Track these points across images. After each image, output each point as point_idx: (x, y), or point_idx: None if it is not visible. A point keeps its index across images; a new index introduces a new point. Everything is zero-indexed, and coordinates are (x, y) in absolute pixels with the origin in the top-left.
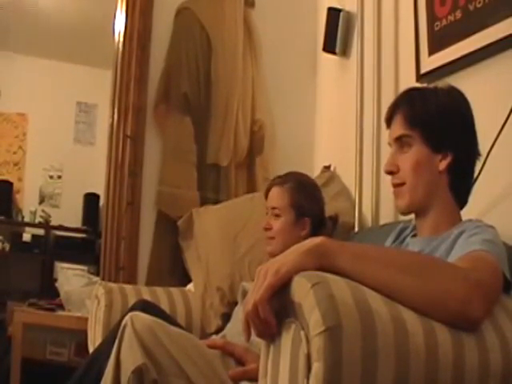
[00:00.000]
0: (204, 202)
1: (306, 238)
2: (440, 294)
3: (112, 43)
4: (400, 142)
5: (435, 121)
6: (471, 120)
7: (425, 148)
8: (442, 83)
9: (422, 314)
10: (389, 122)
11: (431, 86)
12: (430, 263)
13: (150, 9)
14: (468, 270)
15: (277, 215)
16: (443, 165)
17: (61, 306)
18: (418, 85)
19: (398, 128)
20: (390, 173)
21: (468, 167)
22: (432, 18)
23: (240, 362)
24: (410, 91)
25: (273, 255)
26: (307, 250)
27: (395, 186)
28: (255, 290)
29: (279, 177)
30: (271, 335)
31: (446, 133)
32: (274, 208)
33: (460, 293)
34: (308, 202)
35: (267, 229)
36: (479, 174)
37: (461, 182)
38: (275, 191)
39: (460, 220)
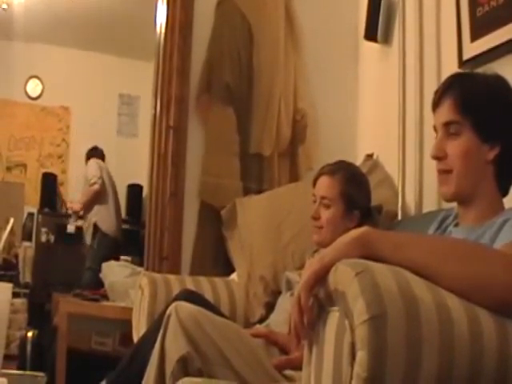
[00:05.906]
0: (247, 191)
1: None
2: (483, 278)
3: (154, 35)
4: (448, 127)
5: (487, 111)
6: None
7: (475, 137)
8: (488, 70)
9: (465, 298)
10: (436, 104)
11: (480, 72)
12: (472, 249)
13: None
14: None
15: (326, 205)
16: (491, 155)
17: (105, 297)
18: (460, 71)
19: (448, 113)
20: (436, 158)
21: None
22: (474, 3)
23: (284, 351)
24: (461, 76)
25: (321, 245)
26: (350, 241)
27: (441, 172)
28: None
29: (329, 165)
30: (308, 324)
31: (496, 124)
32: (323, 197)
33: (504, 278)
34: (358, 193)
35: (316, 218)
36: None
37: (506, 173)
38: (325, 180)
39: (503, 209)
